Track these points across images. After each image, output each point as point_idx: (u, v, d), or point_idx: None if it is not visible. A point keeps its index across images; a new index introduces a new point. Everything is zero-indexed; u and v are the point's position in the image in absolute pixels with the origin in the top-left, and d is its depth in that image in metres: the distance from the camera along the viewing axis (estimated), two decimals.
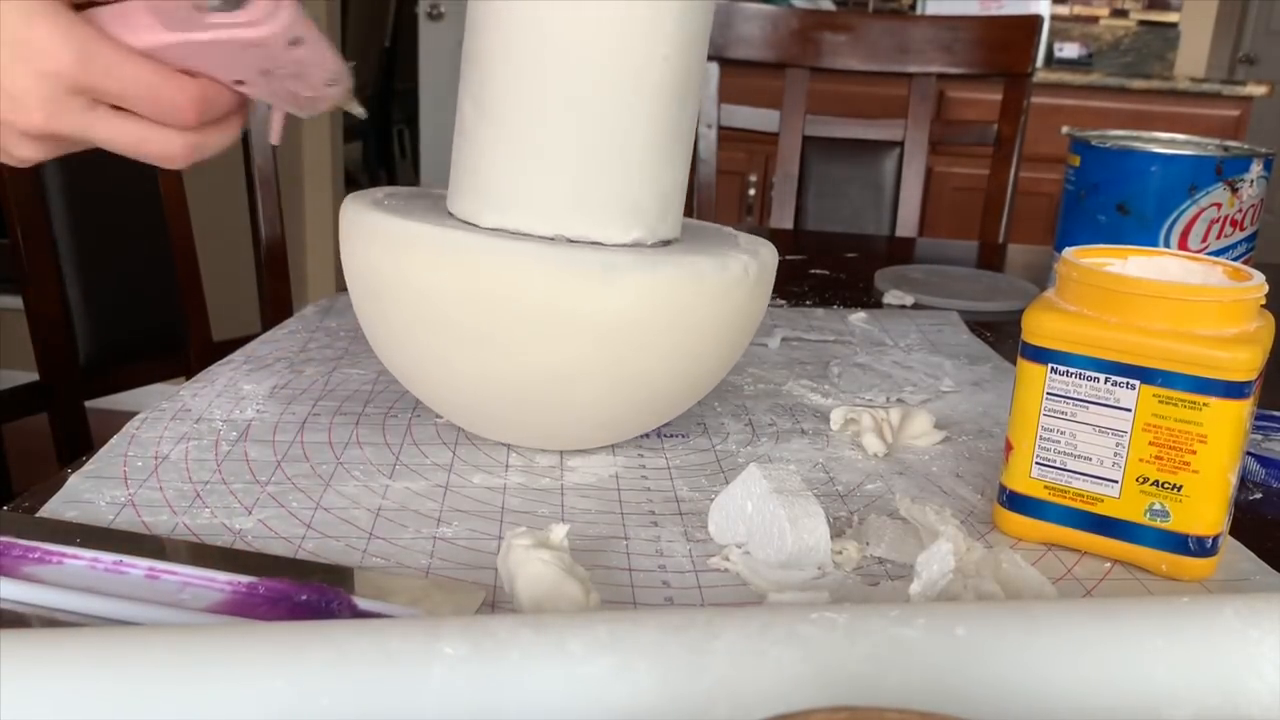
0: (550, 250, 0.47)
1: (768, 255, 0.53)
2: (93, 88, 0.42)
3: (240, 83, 0.46)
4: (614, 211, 0.50)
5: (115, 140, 0.44)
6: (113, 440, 0.53)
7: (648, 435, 0.58)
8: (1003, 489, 0.48)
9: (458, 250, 0.47)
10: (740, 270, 0.49)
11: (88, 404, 1.06)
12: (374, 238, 0.49)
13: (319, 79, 0.47)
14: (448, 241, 0.47)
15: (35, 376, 1.03)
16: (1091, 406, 0.45)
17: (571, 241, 0.49)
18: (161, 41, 0.43)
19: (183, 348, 1.17)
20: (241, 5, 0.43)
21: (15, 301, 1.13)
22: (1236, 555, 0.47)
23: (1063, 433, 0.45)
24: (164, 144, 0.45)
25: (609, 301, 0.46)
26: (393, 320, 0.50)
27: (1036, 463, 0.46)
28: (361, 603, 0.39)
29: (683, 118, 0.51)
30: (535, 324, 0.47)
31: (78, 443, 1.04)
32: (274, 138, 0.51)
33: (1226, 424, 0.42)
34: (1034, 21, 1.36)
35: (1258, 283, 0.44)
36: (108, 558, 0.41)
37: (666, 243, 0.52)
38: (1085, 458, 0.45)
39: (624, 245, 0.50)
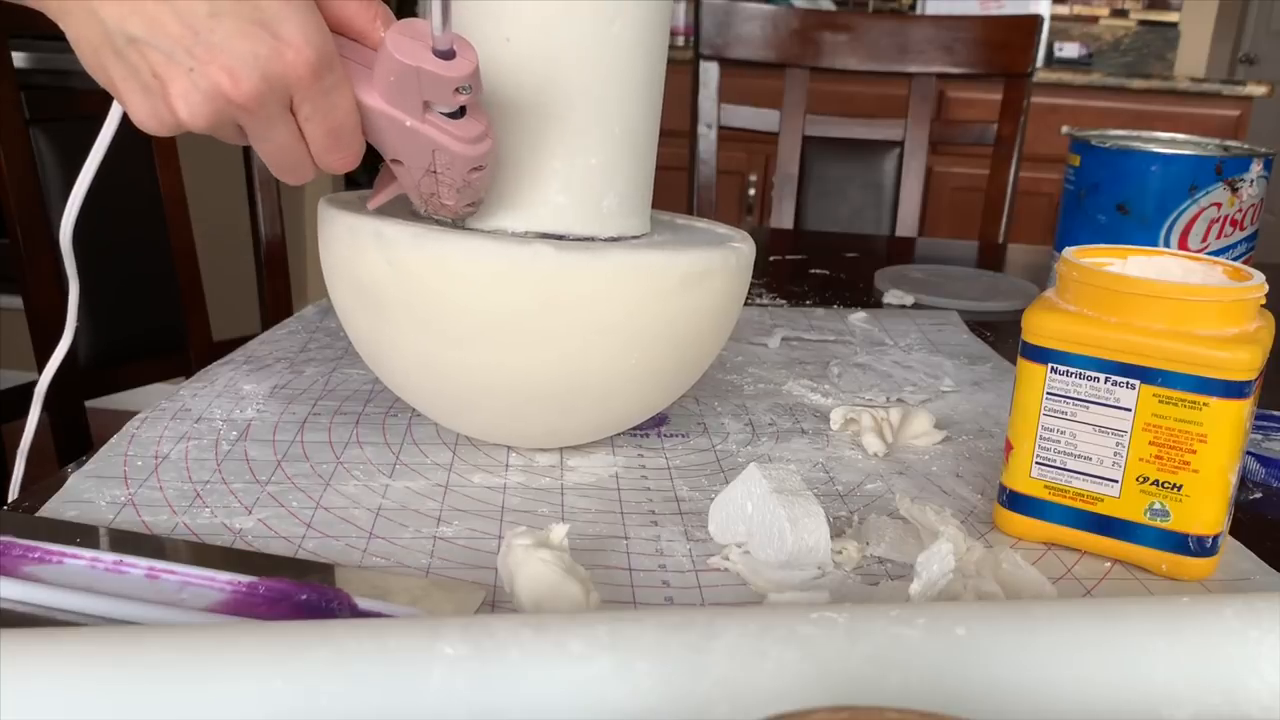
0: (407, 234, 0.47)
1: (632, 260, 0.47)
2: (307, 98, 0.42)
3: (398, 163, 0.46)
4: (507, 205, 0.51)
5: (282, 150, 0.44)
6: (113, 440, 0.53)
7: (647, 434, 0.58)
8: (1003, 489, 0.48)
9: (358, 239, 0.48)
10: (524, 258, 0.46)
11: (88, 404, 1.06)
12: (329, 234, 0.50)
13: (465, 199, 0.48)
14: (361, 231, 0.48)
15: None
16: (1091, 406, 0.45)
17: (474, 232, 0.50)
18: (373, 105, 0.44)
19: (183, 348, 1.17)
20: (459, 119, 0.44)
21: (15, 301, 1.13)
22: (1236, 555, 0.47)
23: (1063, 432, 0.45)
24: (308, 174, 0.46)
25: (426, 287, 0.47)
26: (343, 308, 0.52)
27: (1036, 462, 0.46)
28: (361, 602, 0.39)
29: (575, 106, 0.50)
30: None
31: (78, 443, 1.05)
32: (373, 204, 0.51)
33: (1226, 424, 0.42)
34: (1034, 21, 1.36)
35: (1258, 283, 0.44)
36: (108, 557, 0.41)
37: (587, 239, 0.52)
38: (1085, 457, 0.45)
39: (519, 234, 0.51)
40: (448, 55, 0.42)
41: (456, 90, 0.43)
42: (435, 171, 0.46)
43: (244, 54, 0.40)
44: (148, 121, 0.42)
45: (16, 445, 0.55)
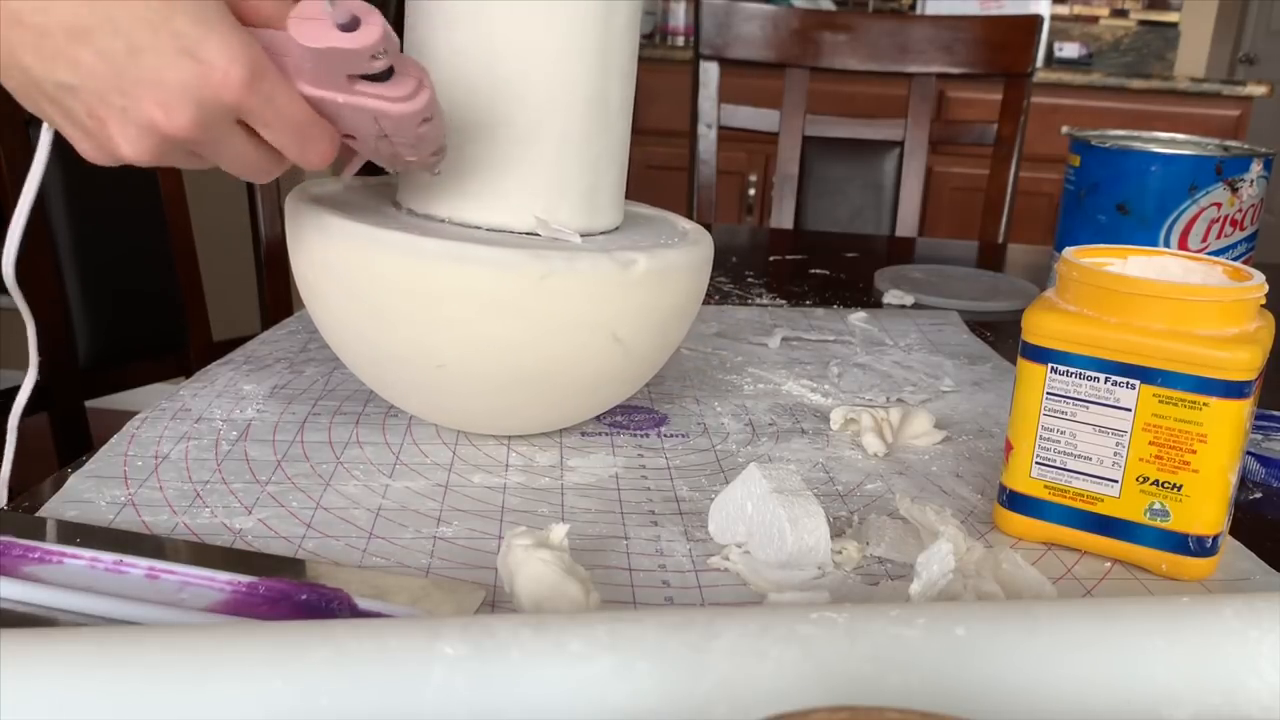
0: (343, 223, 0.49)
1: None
2: (250, 110, 0.41)
3: (352, 138, 0.47)
4: (475, 202, 0.52)
5: (239, 160, 0.44)
6: (113, 440, 0.53)
7: (647, 434, 0.58)
8: (1003, 489, 0.48)
9: (307, 232, 0.50)
10: (481, 256, 0.48)
11: (88, 404, 1.06)
12: (298, 230, 0.52)
13: (427, 150, 0.48)
14: (308, 224, 0.50)
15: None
16: (1091, 406, 0.45)
17: (436, 229, 0.52)
18: (302, 92, 0.44)
19: (183, 348, 1.17)
20: (388, 80, 0.44)
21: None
22: (1236, 555, 0.47)
23: (1063, 432, 0.45)
24: (274, 172, 0.46)
25: (387, 282, 0.49)
26: (310, 296, 0.54)
27: (1036, 462, 0.46)
28: (361, 603, 0.39)
29: (544, 111, 0.51)
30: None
31: (78, 443, 1.05)
32: (345, 175, 0.51)
33: (1226, 424, 0.42)
34: (1034, 21, 1.36)
35: (1258, 283, 0.44)
36: (108, 557, 0.41)
37: (553, 235, 0.53)
38: (1085, 457, 0.45)
39: (486, 229, 0.53)
40: (351, 26, 0.41)
41: (373, 57, 0.42)
42: (386, 135, 0.46)
43: (171, 85, 0.39)
44: (95, 157, 0.42)
45: (17, 445, 0.55)
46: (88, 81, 0.39)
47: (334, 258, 0.50)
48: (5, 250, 0.51)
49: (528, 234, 0.52)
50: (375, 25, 0.42)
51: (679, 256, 0.51)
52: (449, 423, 0.56)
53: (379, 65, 0.43)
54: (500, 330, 0.48)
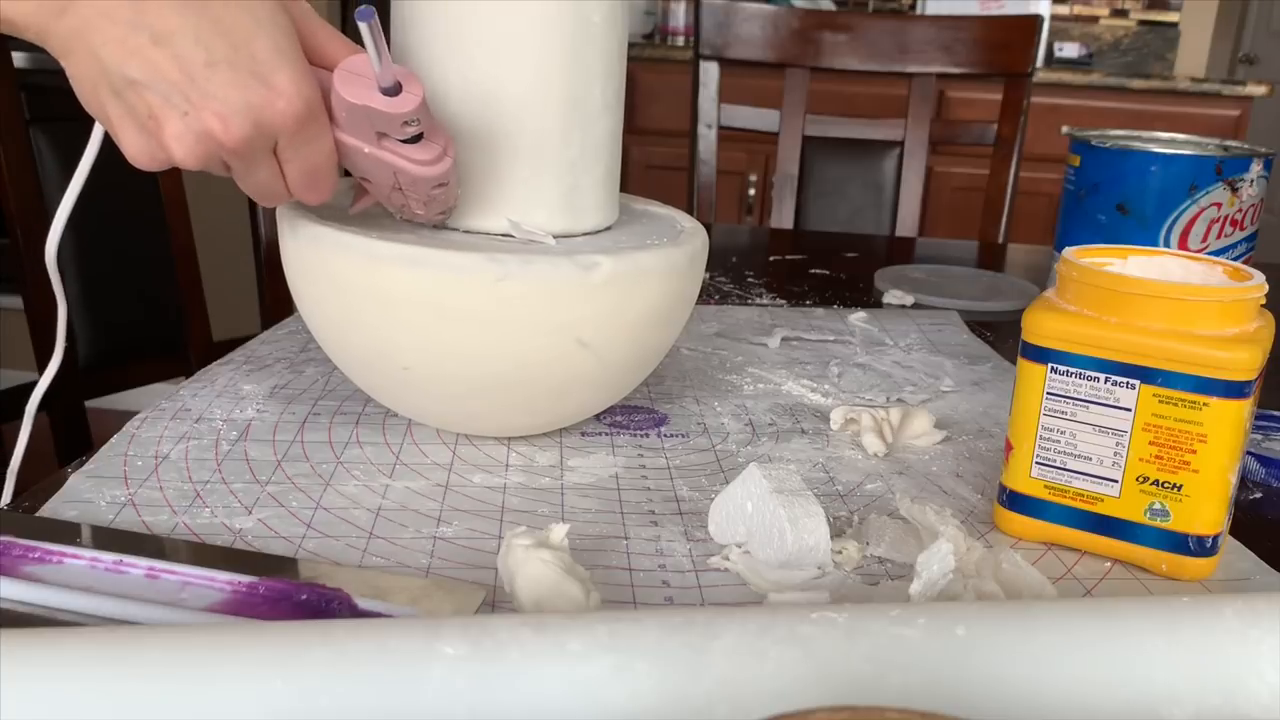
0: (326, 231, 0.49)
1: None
2: (290, 144, 0.44)
3: (368, 181, 0.49)
4: (462, 208, 0.53)
5: (262, 186, 0.46)
6: (113, 440, 0.53)
7: (647, 434, 0.58)
8: (1003, 489, 0.48)
9: (301, 239, 0.50)
10: (468, 265, 0.48)
11: (88, 404, 1.06)
12: (292, 240, 0.52)
13: (435, 210, 0.51)
14: (304, 233, 0.50)
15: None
16: (1091, 406, 0.45)
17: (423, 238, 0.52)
18: (334, 135, 0.46)
19: (183, 348, 1.17)
20: (416, 141, 0.46)
21: (15, 301, 1.13)
22: (1236, 555, 0.47)
23: (1063, 432, 0.45)
24: (284, 201, 0.48)
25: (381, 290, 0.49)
26: (302, 300, 0.54)
27: (1036, 462, 0.46)
28: (361, 603, 0.39)
29: (527, 116, 0.51)
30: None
31: (78, 443, 1.05)
32: (354, 210, 0.53)
33: (1226, 424, 0.42)
34: (1034, 21, 1.36)
35: (1258, 283, 0.44)
36: (108, 558, 0.41)
37: (505, 236, 0.53)
38: (1085, 457, 0.45)
39: (472, 233, 0.53)
40: (393, 91, 0.44)
41: (405, 123, 0.44)
42: (400, 189, 0.48)
43: (237, 102, 0.42)
44: (139, 157, 0.44)
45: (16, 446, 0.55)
46: (158, 82, 0.41)
47: (306, 260, 0.50)
48: (50, 234, 0.53)
49: (502, 236, 0.52)
50: (415, 96, 0.44)
51: (652, 259, 0.50)
52: (431, 421, 0.56)
53: (410, 131, 0.45)
54: (459, 334, 0.48)
